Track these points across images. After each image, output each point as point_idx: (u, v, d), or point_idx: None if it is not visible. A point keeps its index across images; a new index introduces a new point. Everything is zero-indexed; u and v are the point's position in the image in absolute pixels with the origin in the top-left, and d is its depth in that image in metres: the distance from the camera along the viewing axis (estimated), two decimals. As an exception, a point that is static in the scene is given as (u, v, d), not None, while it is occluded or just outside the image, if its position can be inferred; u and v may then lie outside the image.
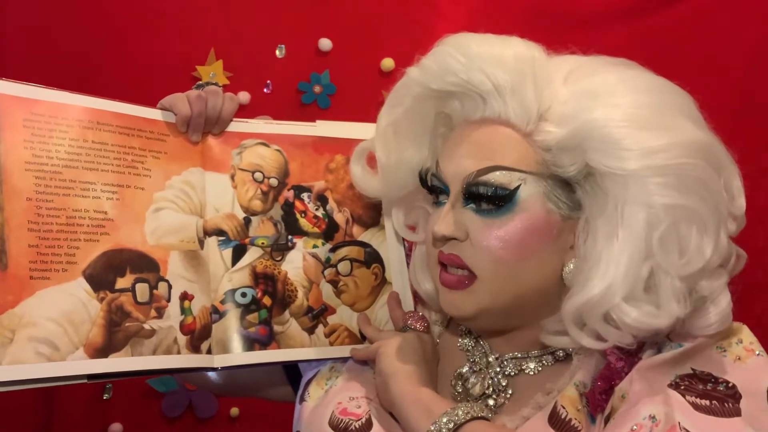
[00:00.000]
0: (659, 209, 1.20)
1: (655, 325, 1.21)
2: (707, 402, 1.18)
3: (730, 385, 1.20)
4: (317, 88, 2.54)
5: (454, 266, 1.34)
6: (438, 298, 1.42)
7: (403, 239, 1.62)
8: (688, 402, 1.18)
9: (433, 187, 1.38)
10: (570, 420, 1.25)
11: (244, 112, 1.54)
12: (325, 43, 2.54)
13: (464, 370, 1.43)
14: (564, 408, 1.27)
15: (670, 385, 1.21)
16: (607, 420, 1.24)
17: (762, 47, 2.51)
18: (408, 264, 1.61)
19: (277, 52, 2.54)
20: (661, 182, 1.20)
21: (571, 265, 1.31)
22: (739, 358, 1.25)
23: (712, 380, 1.21)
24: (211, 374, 1.66)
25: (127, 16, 2.47)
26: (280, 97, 2.53)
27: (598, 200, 1.27)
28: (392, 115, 1.44)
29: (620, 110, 1.24)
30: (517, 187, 1.28)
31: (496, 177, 1.28)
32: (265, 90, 2.52)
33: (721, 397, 1.18)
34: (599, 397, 1.27)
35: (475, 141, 1.32)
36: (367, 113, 2.35)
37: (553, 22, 2.44)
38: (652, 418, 1.16)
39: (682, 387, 1.20)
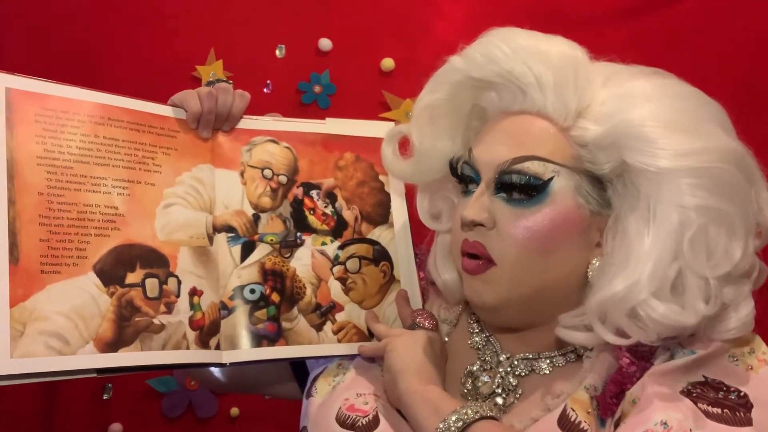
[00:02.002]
0: (691, 210, 1.21)
1: (681, 321, 1.21)
2: (719, 410, 1.18)
3: (742, 394, 1.21)
4: (317, 88, 2.54)
5: (476, 255, 1.34)
6: (455, 289, 1.46)
7: (412, 239, 1.63)
8: (700, 409, 1.18)
9: (463, 176, 1.39)
10: (579, 423, 1.25)
11: (245, 111, 1.55)
12: (325, 43, 2.53)
13: (475, 368, 1.43)
14: (574, 411, 1.27)
15: (682, 392, 1.21)
16: (616, 424, 1.24)
17: (763, 47, 2.52)
18: (416, 262, 1.61)
19: (277, 52, 2.54)
20: (693, 183, 1.21)
21: (597, 263, 1.32)
22: (751, 368, 1.26)
23: (724, 388, 1.22)
24: (218, 370, 1.66)
25: (127, 16, 2.46)
26: (280, 97, 2.52)
27: (629, 198, 1.28)
28: (429, 100, 1.46)
29: (656, 113, 1.26)
30: (551, 179, 1.30)
31: (532, 166, 1.30)
32: (265, 90, 2.52)
33: (732, 406, 1.19)
34: (610, 401, 1.27)
35: (512, 130, 1.34)
36: (367, 113, 2.36)
37: (553, 22, 2.41)
38: (664, 424, 1.16)
39: (694, 394, 1.21)
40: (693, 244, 1.21)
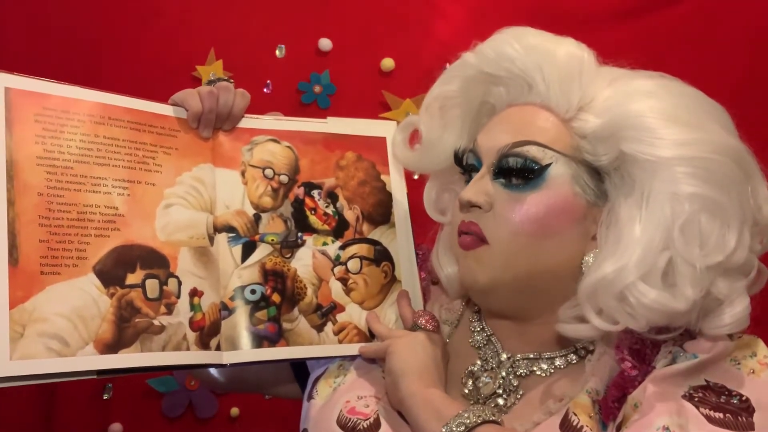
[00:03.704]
0: (684, 197, 1.22)
1: (671, 307, 1.21)
2: (721, 415, 1.18)
3: (744, 398, 1.20)
4: (317, 88, 2.54)
5: (470, 233, 1.35)
6: (457, 283, 1.47)
7: (414, 239, 1.62)
8: (702, 414, 1.18)
9: (467, 165, 1.41)
10: (582, 427, 1.25)
11: (245, 111, 1.55)
12: (325, 43, 2.54)
13: (475, 368, 1.43)
14: (576, 415, 1.26)
15: (684, 397, 1.21)
16: (618, 428, 1.24)
17: (762, 47, 2.52)
18: (417, 263, 1.61)
19: (277, 52, 2.54)
20: (688, 171, 1.22)
21: (592, 256, 1.32)
22: (752, 371, 1.25)
23: (726, 393, 1.21)
24: (219, 371, 1.66)
25: (127, 16, 2.46)
26: (280, 97, 2.52)
27: (625, 187, 1.29)
28: (441, 92, 1.49)
29: (657, 107, 1.28)
30: (549, 165, 1.32)
31: (530, 150, 1.32)
32: (265, 90, 2.53)
33: (734, 410, 1.18)
34: (612, 405, 1.26)
35: (514, 119, 1.38)
36: (368, 113, 2.35)
37: (553, 22, 2.40)
38: (666, 429, 1.16)
39: (696, 399, 1.20)
40: (684, 231, 1.22)
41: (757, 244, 1.31)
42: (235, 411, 2.57)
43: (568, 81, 1.34)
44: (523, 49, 1.36)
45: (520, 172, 1.32)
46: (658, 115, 1.27)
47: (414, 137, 1.59)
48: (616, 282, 1.23)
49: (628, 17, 2.55)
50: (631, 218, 1.26)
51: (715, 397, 1.21)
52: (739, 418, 1.17)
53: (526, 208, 1.31)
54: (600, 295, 1.25)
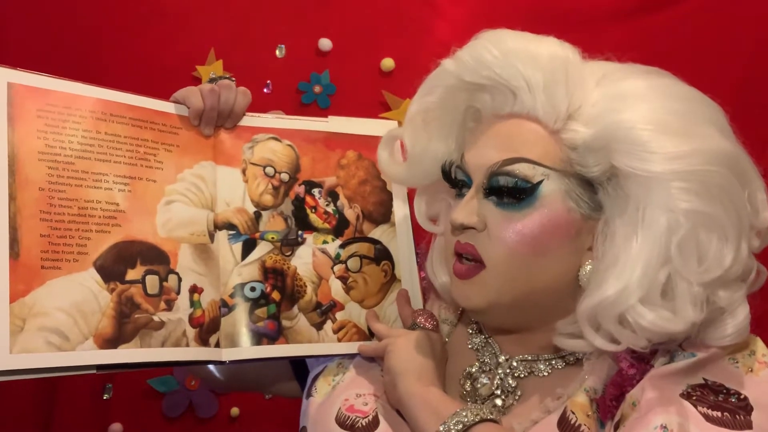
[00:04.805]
0: (680, 214, 1.20)
1: (670, 329, 1.21)
2: (719, 413, 1.17)
3: (742, 397, 1.20)
4: (317, 88, 2.54)
5: (467, 256, 1.33)
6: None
7: (414, 238, 1.62)
8: (700, 413, 1.17)
9: (456, 180, 1.39)
10: (579, 426, 1.25)
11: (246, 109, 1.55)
12: (325, 43, 2.54)
13: (473, 370, 1.42)
14: (574, 413, 1.26)
15: (682, 395, 1.20)
16: (616, 427, 1.24)
17: (762, 47, 2.52)
18: (417, 262, 1.61)
19: (277, 52, 2.54)
20: (683, 187, 1.20)
21: (588, 267, 1.30)
22: (751, 370, 1.25)
23: (724, 391, 1.21)
24: (218, 368, 1.66)
25: (127, 16, 2.46)
26: (280, 97, 2.52)
27: (619, 202, 1.27)
28: (422, 104, 1.45)
29: (648, 114, 1.24)
30: (540, 182, 1.28)
31: (520, 168, 1.29)
32: (265, 90, 2.52)
33: (732, 409, 1.18)
34: (610, 404, 1.26)
35: (502, 133, 1.33)
36: (368, 113, 2.35)
37: (553, 22, 2.41)
38: (664, 427, 1.16)
39: (694, 397, 1.20)
40: (681, 248, 1.20)
41: (756, 240, 1.30)
42: (235, 411, 2.57)
43: (553, 87, 1.29)
44: (502, 54, 1.30)
45: (511, 192, 1.29)
46: (649, 125, 1.23)
47: (402, 149, 1.55)
48: (617, 304, 1.21)
49: (628, 17, 2.54)
50: (627, 236, 1.24)
51: (713, 395, 1.20)
52: (737, 416, 1.17)
53: (521, 229, 1.29)
54: (600, 317, 1.24)
